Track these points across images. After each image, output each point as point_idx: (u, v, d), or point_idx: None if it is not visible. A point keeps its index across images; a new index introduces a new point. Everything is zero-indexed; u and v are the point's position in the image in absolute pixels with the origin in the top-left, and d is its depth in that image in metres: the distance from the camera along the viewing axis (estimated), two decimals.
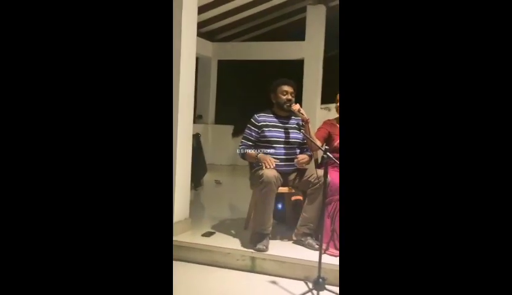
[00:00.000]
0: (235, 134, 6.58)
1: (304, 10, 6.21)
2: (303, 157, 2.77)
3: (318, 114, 5.87)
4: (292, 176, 2.85)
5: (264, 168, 2.68)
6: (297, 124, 2.77)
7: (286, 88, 2.85)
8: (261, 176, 2.63)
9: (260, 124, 2.85)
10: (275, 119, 2.89)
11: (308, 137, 2.73)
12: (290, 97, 2.84)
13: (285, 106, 2.83)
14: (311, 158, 2.88)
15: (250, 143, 2.86)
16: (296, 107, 2.80)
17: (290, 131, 2.87)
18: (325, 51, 6.24)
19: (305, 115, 2.80)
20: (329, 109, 5.76)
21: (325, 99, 6.11)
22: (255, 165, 2.88)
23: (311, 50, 6.17)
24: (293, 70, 5.70)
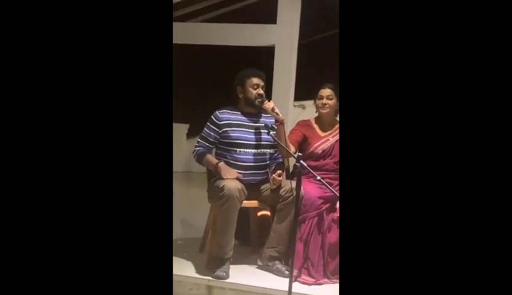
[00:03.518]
0: (190, 134, 6.28)
1: None
2: (279, 178, 2.57)
3: (291, 112, 5.58)
4: (263, 187, 2.66)
5: (224, 178, 2.50)
6: (265, 125, 2.62)
7: (256, 80, 2.69)
8: (222, 188, 2.43)
9: (221, 123, 2.65)
10: (241, 117, 2.70)
11: (279, 142, 2.56)
12: (261, 91, 2.68)
13: (256, 102, 2.65)
14: (283, 170, 2.72)
15: (208, 144, 2.68)
16: (269, 105, 2.63)
17: (260, 131, 2.68)
18: (300, 38, 5.92)
19: (280, 115, 2.63)
20: (304, 107, 5.59)
21: (300, 95, 5.87)
22: (215, 173, 2.65)
23: (284, 36, 5.81)
24: (262, 59, 5.37)
